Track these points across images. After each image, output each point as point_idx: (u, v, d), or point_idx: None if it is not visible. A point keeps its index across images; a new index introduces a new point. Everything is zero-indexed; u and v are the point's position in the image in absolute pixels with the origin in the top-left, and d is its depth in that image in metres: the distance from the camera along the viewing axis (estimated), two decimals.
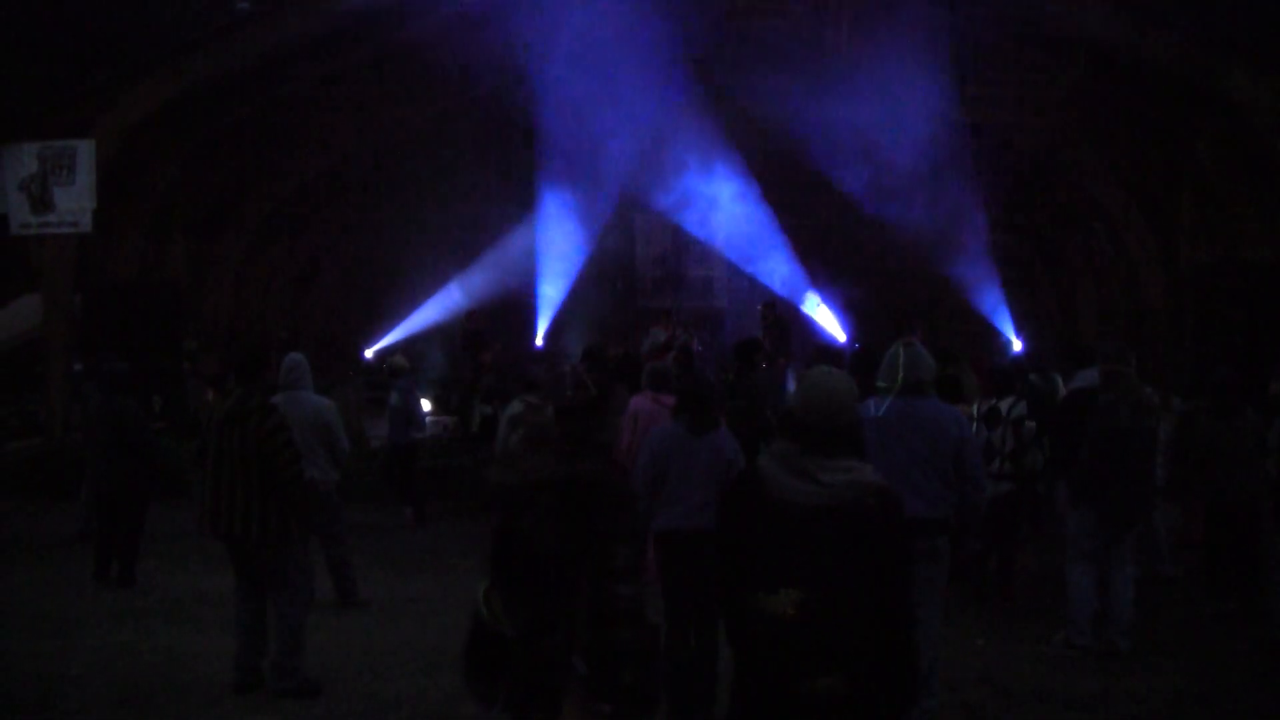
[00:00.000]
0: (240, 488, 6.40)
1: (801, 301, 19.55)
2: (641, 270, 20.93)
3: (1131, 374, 7.50)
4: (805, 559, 3.10)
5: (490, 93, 16.79)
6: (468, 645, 3.37)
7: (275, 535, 6.45)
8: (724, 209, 19.03)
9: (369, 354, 20.13)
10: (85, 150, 14.06)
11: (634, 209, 20.31)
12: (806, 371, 3.61)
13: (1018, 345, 18.48)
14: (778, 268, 19.50)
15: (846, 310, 19.19)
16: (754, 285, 19.84)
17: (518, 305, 19.63)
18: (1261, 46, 12.80)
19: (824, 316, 19.65)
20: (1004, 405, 8.38)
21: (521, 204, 18.86)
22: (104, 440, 9.35)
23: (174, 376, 15.10)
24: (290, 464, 6.51)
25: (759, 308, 17.68)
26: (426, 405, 17.81)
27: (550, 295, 19.50)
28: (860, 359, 11.75)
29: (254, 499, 6.40)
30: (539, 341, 19.51)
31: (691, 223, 19.68)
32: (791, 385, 13.89)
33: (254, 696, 6.45)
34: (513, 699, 3.25)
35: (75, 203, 14.02)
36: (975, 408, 8.58)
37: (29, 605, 8.58)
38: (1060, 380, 11.89)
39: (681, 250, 20.74)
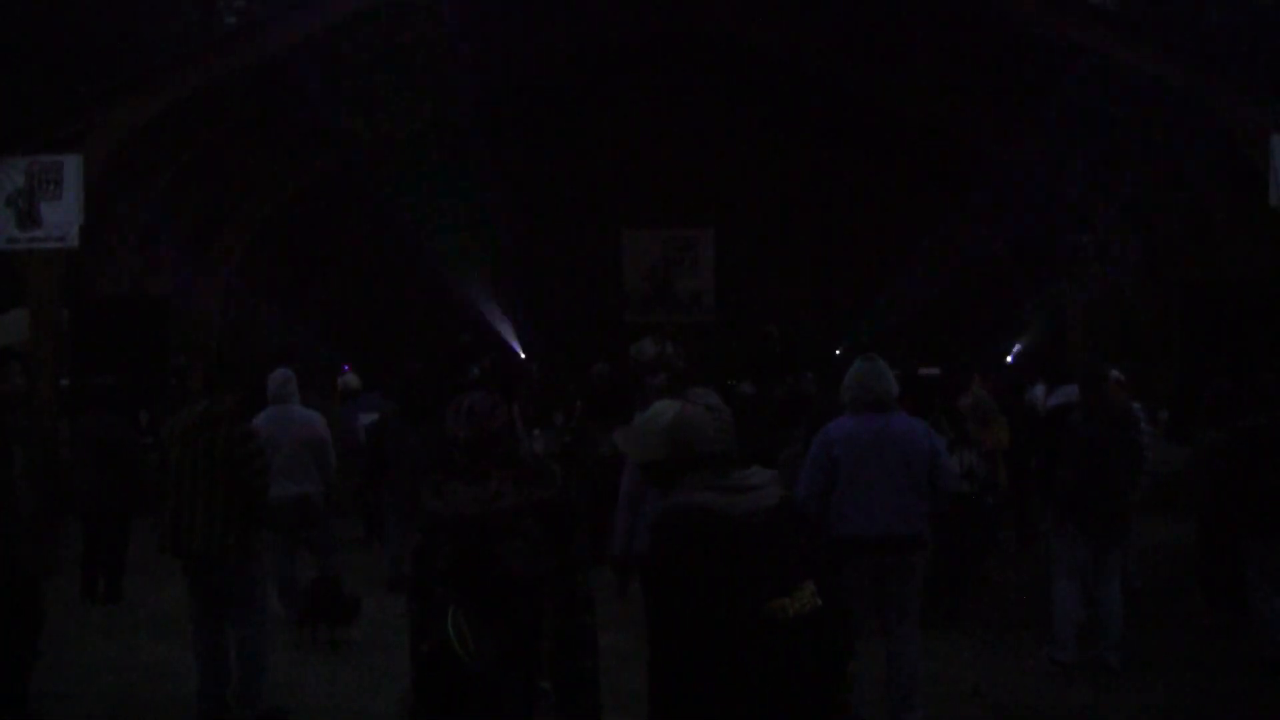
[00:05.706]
0: (203, 501, 6.07)
1: None
2: (630, 285, 20.90)
3: (1107, 388, 7.53)
4: (789, 556, 3.05)
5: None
6: (421, 676, 3.30)
7: (237, 551, 6.13)
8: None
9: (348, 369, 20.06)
10: (73, 165, 13.96)
11: (622, 223, 20.32)
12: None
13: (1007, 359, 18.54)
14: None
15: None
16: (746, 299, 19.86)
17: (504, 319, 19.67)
18: (1248, 66, 12.88)
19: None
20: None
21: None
22: (90, 456, 9.30)
23: (162, 392, 15.04)
24: (259, 475, 6.21)
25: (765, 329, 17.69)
26: None
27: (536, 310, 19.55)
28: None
29: (217, 513, 6.07)
30: (522, 354, 19.51)
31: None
32: None
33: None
34: None
35: (62, 218, 13.88)
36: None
37: None
38: (1041, 395, 11.95)
39: (670, 264, 20.73)
